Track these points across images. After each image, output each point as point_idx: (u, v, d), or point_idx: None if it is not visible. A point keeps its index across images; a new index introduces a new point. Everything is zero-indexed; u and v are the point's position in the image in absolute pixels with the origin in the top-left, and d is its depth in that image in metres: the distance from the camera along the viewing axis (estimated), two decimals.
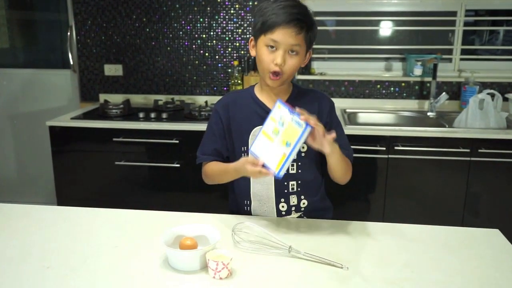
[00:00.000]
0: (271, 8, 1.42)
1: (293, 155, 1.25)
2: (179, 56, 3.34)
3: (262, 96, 1.56)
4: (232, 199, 1.68)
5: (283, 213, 1.57)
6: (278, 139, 1.28)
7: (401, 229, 1.47)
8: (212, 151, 1.58)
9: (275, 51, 1.42)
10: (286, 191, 1.55)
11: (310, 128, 1.24)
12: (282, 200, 1.55)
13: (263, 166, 1.29)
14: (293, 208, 1.57)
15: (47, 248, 1.33)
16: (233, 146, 1.57)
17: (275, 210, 1.57)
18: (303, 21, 1.40)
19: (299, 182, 1.56)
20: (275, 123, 1.30)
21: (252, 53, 1.51)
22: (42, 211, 1.60)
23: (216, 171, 1.56)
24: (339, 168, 1.47)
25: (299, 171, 1.55)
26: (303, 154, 1.54)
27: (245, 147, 1.54)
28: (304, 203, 1.58)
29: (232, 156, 1.57)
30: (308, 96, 1.59)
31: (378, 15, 3.30)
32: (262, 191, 1.55)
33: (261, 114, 1.50)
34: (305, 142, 1.29)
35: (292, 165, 1.53)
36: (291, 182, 1.55)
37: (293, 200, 1.56)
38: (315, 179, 1.60)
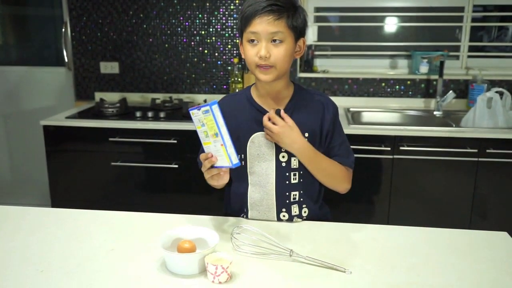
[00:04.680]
0: (248, 2, 1.37)
1: (227, 138, 1.23)
2: (177, 53, 3.31)
3: (259, 99, 1.50)
4: (227, 204, 1.63)
5: (284, 221, 1.53)
6: (211, 138, 1.27)
7: (406, 232, 1.46)
8: None
9: (258, 44, 1.36)
10: (288, 201, 1.51)
11: (215, 104, 1.22)
12: (284, 210, 1.52)
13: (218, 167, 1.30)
14: (294, 218, 1.53)
15: (40, 251, 1.31)
16: None
17: (275, 219, 1.53)
18: (280, 5, 1.34)
19: (301, 192, 1.52)
20: (200, 129, 1.29)
21: (244, 56, 1.45)
22: (35, 213, 1.58)
23: None
24: (319, 175, 1.48)
25: (301, 180, 1.50)
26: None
27: (243, 155, 1.49)
28: (305, 212, 1.55)
29: None
30: (311, 102, 1.51)
31: (383, 11, 3.28)
32: (262, 201, 1.51)
33: (260, 119, 1.46)
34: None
35: (295, 175, 1.49)
36: (293, 192, 1.51)
37: (295, 210, 1.52)
38: (317, 187, 1.56)
